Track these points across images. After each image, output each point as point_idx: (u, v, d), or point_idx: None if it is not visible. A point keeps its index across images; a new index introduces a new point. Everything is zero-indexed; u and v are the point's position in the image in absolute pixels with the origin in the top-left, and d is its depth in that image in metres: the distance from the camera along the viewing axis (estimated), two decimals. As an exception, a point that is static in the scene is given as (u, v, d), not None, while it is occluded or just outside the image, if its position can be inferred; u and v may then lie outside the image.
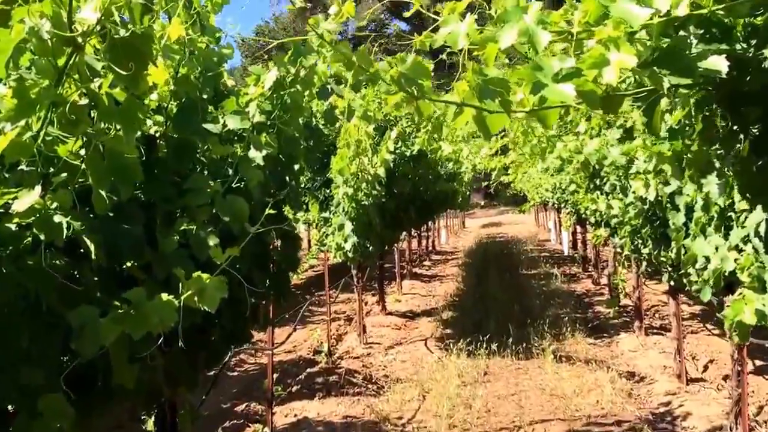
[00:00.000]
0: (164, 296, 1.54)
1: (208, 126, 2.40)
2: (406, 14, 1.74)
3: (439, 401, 4.88)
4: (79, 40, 1.04)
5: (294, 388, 5.55)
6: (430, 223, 16.25)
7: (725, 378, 4.79)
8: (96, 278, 1.80)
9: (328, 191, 6.43)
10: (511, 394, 5.14)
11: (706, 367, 5.29)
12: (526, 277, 10.47)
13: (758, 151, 1.87)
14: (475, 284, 10.01)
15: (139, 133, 2.03)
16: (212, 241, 2.09)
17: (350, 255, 6.23)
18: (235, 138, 2.58)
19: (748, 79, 1.56)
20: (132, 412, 2.34)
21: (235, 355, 6.39)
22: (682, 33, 1.50)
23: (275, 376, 6.01)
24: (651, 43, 1.45)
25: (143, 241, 1.87)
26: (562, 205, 9.86)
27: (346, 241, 6.13)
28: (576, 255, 11.82)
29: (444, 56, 1.63)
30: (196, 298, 1.52)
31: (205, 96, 2.24)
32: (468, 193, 19.80)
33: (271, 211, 3.13)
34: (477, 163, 6.91)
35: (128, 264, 1.94)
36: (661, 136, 1.68)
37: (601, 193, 5.73)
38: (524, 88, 1.36)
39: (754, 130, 1.84)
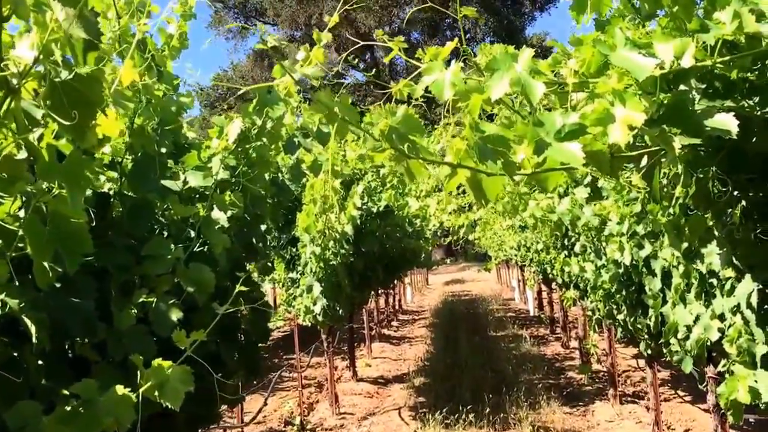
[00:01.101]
0: (120, 389, 1.31)
1: (168, 183, 2.21)
2: (385, 59, 1.63)
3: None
4: (14, 82, 0.87)
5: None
6: (396, 280, 16.06)
7: (705, 449, 4.63)
8: (40, 362, 1.56)
9: (294, 249, 6.20)
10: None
11: (684, 438, 5.13)
12: (495, 340, 10.28)
13: (758, 218, 1.77)
14: (445, 347, 9.75)
15: (89, 191, 1.84)
16: (175, 315, 1.87)
17: (320, 319, 5.96)
18: (197, 196, 2.39)
19: (753, 140, 1.46)
20: None
21: None
22: (682, 87, 1.41)
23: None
24: (655, 99, 1.34)
25: (94, 316, 1.65)
26: (526, 263, 9.80)
27: (315, 303, 5.87)
28: (542, 316, 11.71)
29: (412, 108, 1.50)
30: (156, 393, 1.30)
31: (164, 150, 2.06)
32: (431, 249, 19.76)
33: (242, 287, 2.93)
34: (444, 220, 6.78)
35: (78, 344, 1.70)
36: (659, 199, 1.56)
37: (569, 254, 5.65)
38: (526, 148, 1.23)
39: (753, 195, 1.75)
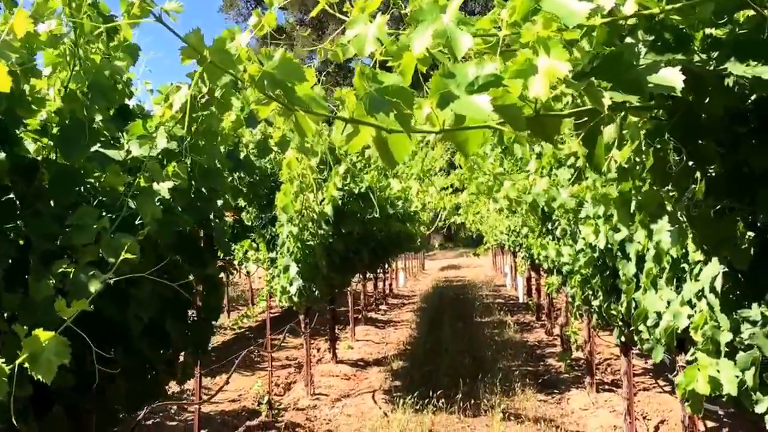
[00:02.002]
0: (-7, 359, 1.22)
1: (110, 152, 2.11)
2: (312, 13, 1.51)
3: (378, 461, 4.52)
4: None
5: (229, 443, 5.10)
6: (387, 265, 15.98)
7: (678, 439, 4.58)
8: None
9: (274, 230, 6.11)
10: (455, 454, 4.81)
11: (657, 428, 5.07)
12: (480, 326, 10.23)
13: (717, 194, 1.65)
14: (428, 332, 9.71)
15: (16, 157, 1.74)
16: (93, 287, 1.77)
17: (295, 300, 5.89)
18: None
19: (707, 101, 1.33)
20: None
21: (153, 411, 5.91)
22: (629, 40, 1.28)
23: (215, 428, 5.56)
24: (591, 50, 1.21)
25: (1, 284, 1.55)
26: (517, 249, 9.73)
27: (291, 284, 5.79)
28: (530, 302, 11.67)
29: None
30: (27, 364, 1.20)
31: (99, 117, 1.94)
32: (427, 234, 19.67)
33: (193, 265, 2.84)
34: (427, 202, 6.66)
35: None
36: (603, 170, 1.45)
37: (553, 239, 5.56)
38: (430, 100, 1.11)
39: (712, 169, 1.63)
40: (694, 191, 1.65)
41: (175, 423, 5.83)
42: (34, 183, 1.85)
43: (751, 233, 1.66)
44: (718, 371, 2.18)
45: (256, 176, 5.57)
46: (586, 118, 1.44)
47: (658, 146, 1.63)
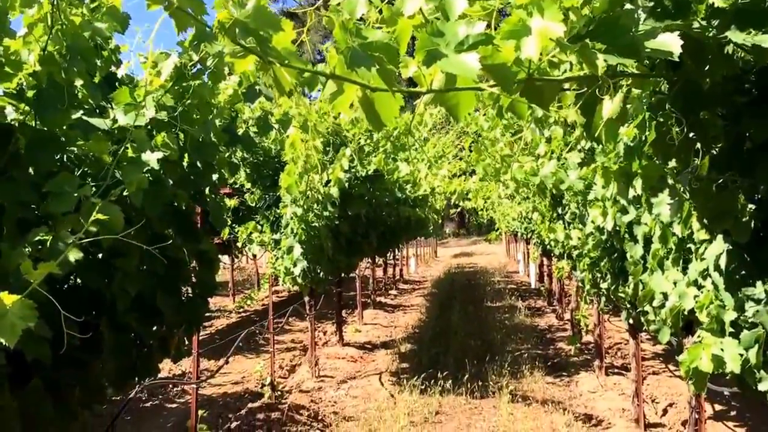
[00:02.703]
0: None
1: (95, 120, 2.06)
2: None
3: (383, 443, 4.49)
4: None
5: (233, 425, 5.10)
6: (398, 251, 15.92)
7: (684, 423, 4.50)
8: None
9: (278, 211, 6.07)
10: (461, 435, 4.77)
11: (665, 411, 4.99)
12: (490, 310, 10.16)
13: (719, 167, 1.58)
14: (438, 316, 9.66)
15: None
16: (73, 256, 1.73)
17: (299, 281, 5.86)
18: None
19: (706, 68, 1.27)
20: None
21: (151, 393, 5.93)
22: (629, 6, 1.22)
23: (216, 410, 5.57)
24: (586, 13, 1.15)
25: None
26: (530, 236, 9.63)
27: (295, 265, 5.76)
28: (542, 288, 11.57)
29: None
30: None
31: (80, 82, 1.89)
32: (440, 221, 19.51)
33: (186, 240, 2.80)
34: (436, 186, 6.58)
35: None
36: (601, 140, 1.37)
37: (563, 223, 5.47)
38: (417, 59, 1.05)
39: (713, 141, 1.56)
40: (697, 165, 1.58)
41: (174, 405, 5.85)
42: (8, 148, 1.80)
43: (752, 206, 1.59)
44: (722, 350, 2.11)
45: (259, 155, 5.52)
46: (586, 88, 1.39)
47: (661, 120, 1.57)
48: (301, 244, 5.61)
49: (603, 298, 4.47)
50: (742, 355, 1.94)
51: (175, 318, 2.55)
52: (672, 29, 1.17)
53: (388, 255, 13.64)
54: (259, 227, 6.47)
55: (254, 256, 8.84)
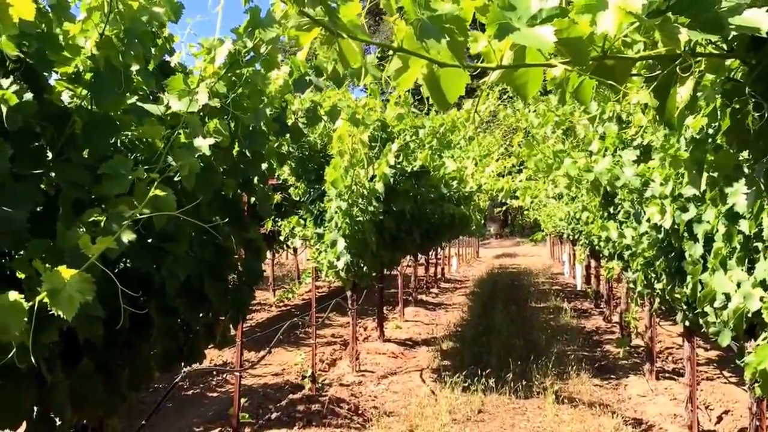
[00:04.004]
0: (13, 295, 1.18)
1: (149, 106, 2.07)
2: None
3: (424, 440, 4.44)
4: None
5: (273, 415, 5.13)
6: (440, 250, 15.82)
7: (742, 431, 4.29)
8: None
9: (322, 205, 6.08)
10: (505, 436, 4.67)
11: (720, 419, 4.78)
12: (534, 311, 9.98)
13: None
14: (481, 315, 9.53)
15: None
16: (126, 237, 1.73)
17: (342, 275, 5.85)
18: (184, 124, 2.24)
19: None
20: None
21: (190, 376, 6.01)
22: None
23: (257, 400, 5.63)
24: None
25: (25, 228, 1.52)
26: (576, 237, 9.41)
27: (338, 259, 5.75)
28: (589, 290, 11.30)
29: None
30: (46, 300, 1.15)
31: (135, 66, 1.90)
32: (483, 221, 19.26)
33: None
34: (483, 183, 6.47)
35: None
36: (674, 124, 1.29)
37: (615, 222, 5.31)
38: (487, 32, 0.99)
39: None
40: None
41: (215, 394, 5.93)
42: (65, 131, 1.82)
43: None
44: (793, 353, 1.98)
45: (305, 149, 5.53)
46: (658, 71, 1.31)
47: (737, 107, 1.47)
48: (345, 238, 5.60)
49: (657, 299, 4.30)
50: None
51: (221, 305, 2.57)
52: (759, 5, 1.10)
53: (431, 253, 13.55)
54: (302, 222, 6.50)
55: (295, 250, 8.87)
